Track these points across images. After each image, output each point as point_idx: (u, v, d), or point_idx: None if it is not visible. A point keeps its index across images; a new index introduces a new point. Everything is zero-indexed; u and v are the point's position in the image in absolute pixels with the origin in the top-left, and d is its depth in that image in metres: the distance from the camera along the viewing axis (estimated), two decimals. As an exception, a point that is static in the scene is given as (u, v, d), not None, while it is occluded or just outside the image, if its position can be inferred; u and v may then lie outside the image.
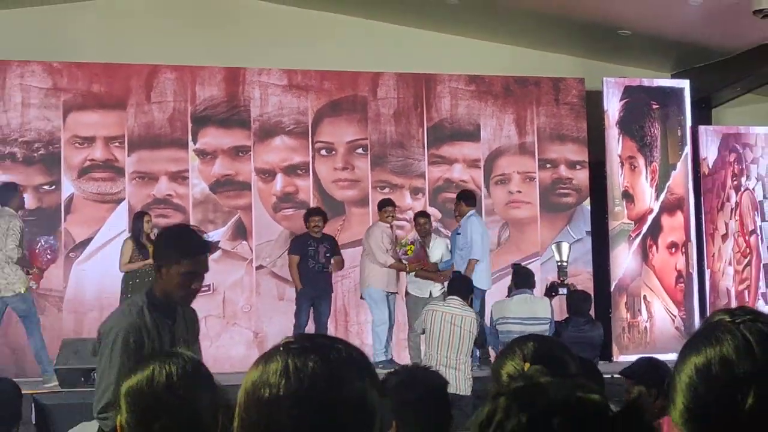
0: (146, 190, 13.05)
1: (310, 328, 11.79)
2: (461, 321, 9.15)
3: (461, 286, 9.70)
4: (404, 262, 12.01)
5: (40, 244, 11.66)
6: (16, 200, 10.77)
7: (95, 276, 12.67)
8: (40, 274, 11.59)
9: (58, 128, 12.87)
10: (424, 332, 9.46)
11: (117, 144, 13.04)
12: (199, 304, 13.61)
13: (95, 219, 12.87)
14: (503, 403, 1.42)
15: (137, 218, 11.68)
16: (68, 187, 12.84)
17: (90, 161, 12.96)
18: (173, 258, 4.59)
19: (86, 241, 12.78)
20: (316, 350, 1.77)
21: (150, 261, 11.33)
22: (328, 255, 11.95)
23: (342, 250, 12.36)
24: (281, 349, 1.79)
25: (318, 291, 11.87)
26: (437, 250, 12.19)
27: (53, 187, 12.80)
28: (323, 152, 13.67)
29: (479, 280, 11.41)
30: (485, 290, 11.67)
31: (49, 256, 11.72)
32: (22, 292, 10.38)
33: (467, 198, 11.95)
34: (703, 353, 1.70)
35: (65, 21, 13.15)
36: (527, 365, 2.83)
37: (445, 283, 11.57)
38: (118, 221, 12.85)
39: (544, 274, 12.95)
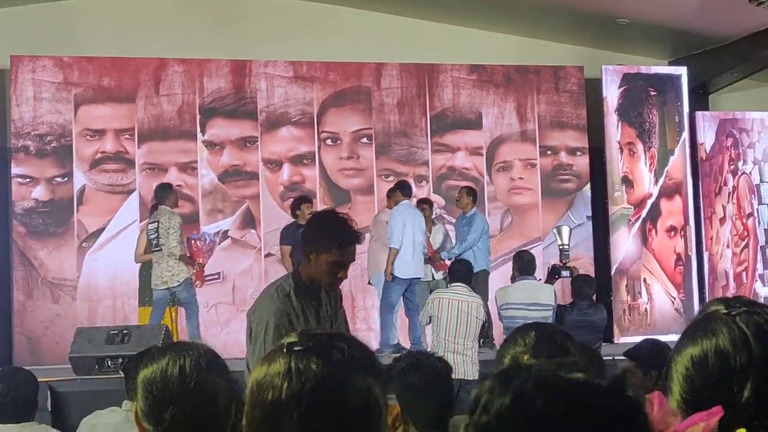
0: (156, 181, 12.98)
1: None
2: (468, 307, 9.13)
3: (464, 272, 9.67)
4: None
5: (196, 239, 11.56)
6: (172, 198, 11.23)
7: (108, 265, 12.69)
8: (201, 269, 11.49)
9: (69, 121, 12.87)
10: (430, 321, 9.42)
11: (127, 136, 13.05)
12: (209, 292, 13.69)
13: (107, 210, 12.88)
14: (488, 385, 1.41)
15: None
16: (80, 178, 12.84)
17: (101, 153, 12.96)
18: (324, 246, 4.58)
19: (98, 231, 12.79)
20: (319, 351, 1.75)
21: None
22: None
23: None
24: (284, 350, 1.77)
25: None
26: (438, 235, 12.19)
27: (65, 179, 12.81)
28: (329, 142, 13.65)
29: (399, 268, 11.40)
30: (406, 279, 11.51)
31: (206, 250, 11.60)
32: (183, 280, 10.89)
33: (402, 188, 11.89)
34: (699, 345, 1.70)
35: (75, 16, 13.13)
36: (526, 356, 2.81)
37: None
38: (129, 212, 12.87)
39: (546, 259, 12.93)
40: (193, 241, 11.47)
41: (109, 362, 9.52)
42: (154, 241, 11.00)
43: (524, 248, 12.05)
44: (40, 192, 12.71)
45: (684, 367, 1.71)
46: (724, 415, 1.65)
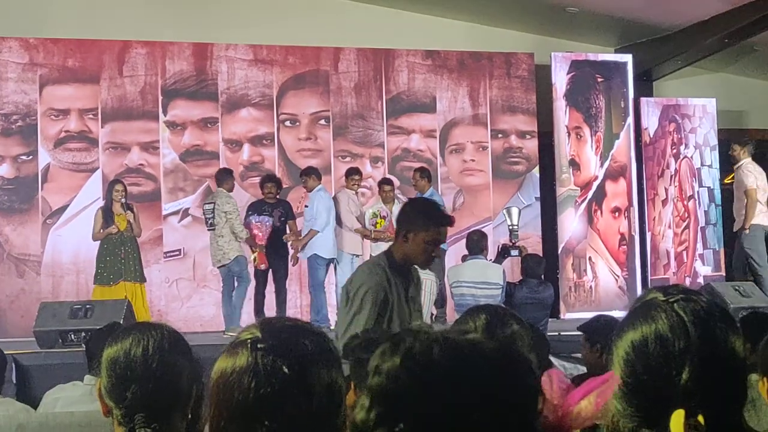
0: (119, 160, 12.97)
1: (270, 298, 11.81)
2: (421, 284, 9.14)
3: None
4: (369, 228, 11.96)
5: (257, 222, 11.60)
6: (230, 182, 11.64)
7: (71, 241, 12.60)
8: (262, 251, 11.54)
9: (34, 101, 12.76)
10: None
11: (91, 116, 12.94)
12: (170, 268, 13.63)
13: (71, 187, 12.79)
14: (380, 349, 1.38)
15: (109, 186, 11.54)
16: (45, 157, 12.74)
17: (65, 132, 12.86)
18: (421, 226, 4.81)
19: (62, 209, 12.71)
20: (284, 351, 1.74)
21: (111, 229, 11.11)
22: (283, 219, 11.88)
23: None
24: (248, 345, 1.76)
25: (275, 255, 11.76)
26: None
27: (30, 157, 12.70)
28: (287, 123, 13.62)
29: (321, 248, 11.58)
30: (329, 258, 11.70)
31: (261, 233, 11.59)
32: (233, 258, 11.31)
33: (317, 173, 12.03)
34: (639, 330, 1.72)
35: (40, -2, 13.00)
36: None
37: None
38: (93, 189, 12.77)
39: (496, 238, 12.98)
40: (253, 224, 11.48)
41: (72, 336, 9.47)
42: (210, 221, 11.41)
43: (476, 228, 12.10)
44: (5, 170, 12.60)
45: (624, 351, 1.72)
46: (664, 398, 1.67)
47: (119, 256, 11.09)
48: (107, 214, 11.19)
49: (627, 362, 1.72)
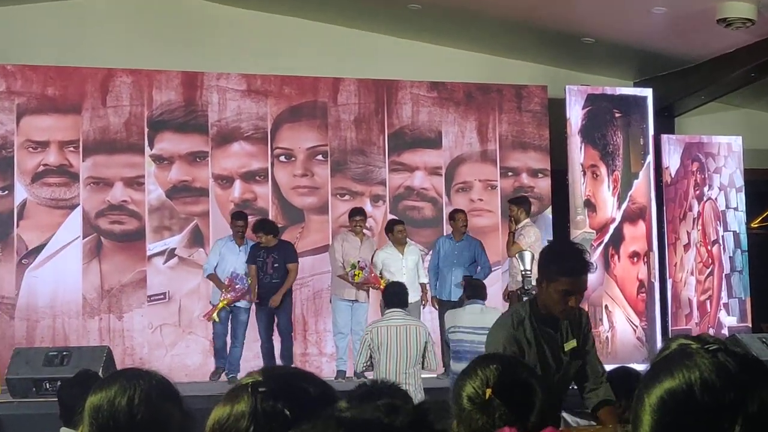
0: (101, 196, 12.96)
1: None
2: (406, 330, 9.08)
3: (398, 297, 9.55)
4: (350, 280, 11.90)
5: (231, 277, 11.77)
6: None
7: (48, 283, 12.57)
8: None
9: (11, 132, 12.77)
10: (370, 358, 9.26)
11: (72, 149, 12.95)
12: (154, 312, 13.58)
13: (48, 225, 12.77)
14: None
15: None
16: (21, 192, 12.73)
17: (44, 166, 12.87)
18: (553, 275, 4.79)
19: (39, 248, 12.68)
20: (285, 395, 1.75)
21: None
22: (276, 266, 11.82)
23: (300, 258, 12.27)
24: (249, 390, 1.75)
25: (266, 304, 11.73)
26: (412, 256, 12.12)
27: (5, 192, 12.70)
28: (282, 158, 13.63)
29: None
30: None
31: (234, 290, 11.72)
32: None
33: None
34: (677, 378, 1.64)
35: (19, 23, 13.03)
36: (489, 391, 2.78)
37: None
38: (72, 227, 12.76)
39: (505, 282, 12.92)
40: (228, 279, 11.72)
41: (47, 385, 9.46)
42: None
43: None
44: (-21, 205, 12.60)
45: (660, 400, 1.64)
46: None
47: None
48: None
49: (664, 413, 1.64)
